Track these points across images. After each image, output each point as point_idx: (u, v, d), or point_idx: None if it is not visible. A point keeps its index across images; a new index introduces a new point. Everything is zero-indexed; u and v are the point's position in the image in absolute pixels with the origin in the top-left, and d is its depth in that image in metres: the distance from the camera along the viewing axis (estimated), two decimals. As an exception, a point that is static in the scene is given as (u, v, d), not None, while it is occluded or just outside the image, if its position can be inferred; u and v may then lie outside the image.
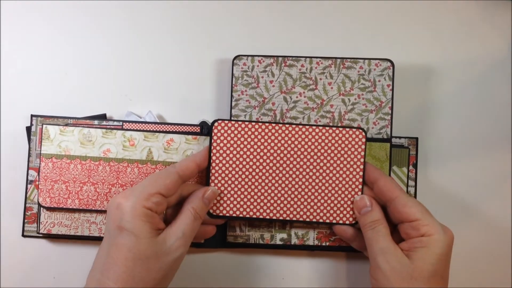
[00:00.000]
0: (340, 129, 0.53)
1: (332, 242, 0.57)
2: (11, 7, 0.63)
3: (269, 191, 0.54)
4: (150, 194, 0.48)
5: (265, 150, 0.54)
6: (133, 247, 0.46)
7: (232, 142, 0.54)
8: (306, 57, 0.58)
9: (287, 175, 0.54)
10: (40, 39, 0.63)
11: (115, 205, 0.48)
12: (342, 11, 0.63)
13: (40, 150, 0.57)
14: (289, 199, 0.54)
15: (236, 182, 0.54)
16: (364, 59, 0.57)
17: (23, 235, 0.59)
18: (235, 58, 0.59)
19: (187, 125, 0.58)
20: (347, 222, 0.54)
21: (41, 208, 0.58)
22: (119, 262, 0.46)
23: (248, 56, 0.59)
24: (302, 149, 0.54)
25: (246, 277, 0.60)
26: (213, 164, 0.54)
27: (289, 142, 0.54)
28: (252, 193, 0.54)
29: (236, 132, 0.54)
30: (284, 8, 0.63)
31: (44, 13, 0.63)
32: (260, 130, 0.54)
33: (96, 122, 0.58)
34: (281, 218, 0.54)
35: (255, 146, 0.54)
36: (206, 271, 0.61)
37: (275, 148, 0.54)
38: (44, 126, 0.57)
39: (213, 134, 0.54)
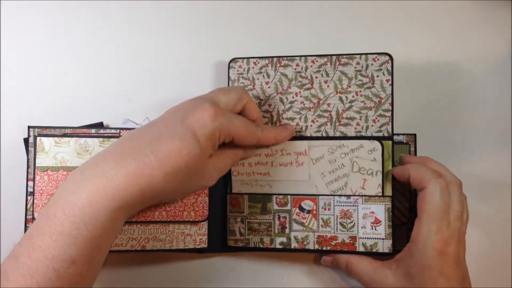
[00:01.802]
0: None
1: (333, 246, 0.55)
2: (10, 8, 0.63)
3: None
4: (230, 133, 0.50)
5: None
6: (194, 155, 0.46)
7: None
8: (301, 56, 0.57)
9: None
10: (38, 43, 0.63)
11: (201, 111, 0.48)
12: (341, 12, 0.63)
13: (34, 163, 0.56)
14: None
15: None
16: (361, 54, 0.55)
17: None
18: (231, 61, 0.58)
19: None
20: None
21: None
22: (174, 155, 0.45)
23: (243, 58, 0.58)
24: None
25: (246, 277, 0.60)
26: None
27: None
28: None
29: None
30: (278, 7, 0.62)
31: (43, 13, 0.63)
32: None
33: (93, 130, 0.57)
34: None
35: None
36: (206, 272, 0.61)
37: None
38: (38, 138, 0.56)
39: None
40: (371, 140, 0.54)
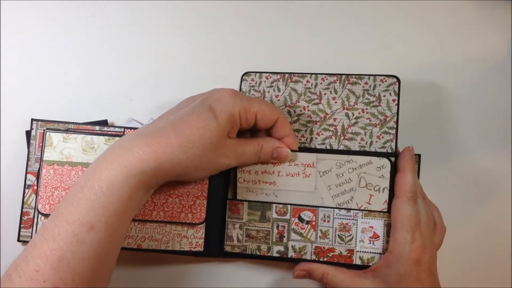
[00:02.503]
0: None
1: (330, 258, 0.55)
2: (10, 9, 0.65)
3: None
4: (252, 110, 0.51)
5: None
6: (210, 127, 0.48)
7: None
8: (311, 73, 0.58)
9: None
10: (39, 41, 0.64)
11: (220, 91, 0.51)
12: (340, 12, 0.64)
13: (42, 156, 0.56)
14: None
15: None
16: (369, 75, 0.57)
17: (18, 240, 0.58)
18: (244, 74, 0.60)
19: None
20: None
21: (39, 216, 0.57)
22: (191, 127, 0.48)
23: (256, 72, 0.60)
24: None
25: (246, 277, 0.60)
26: None
27: None
28: None
29: None
30: (292, 26, 0.64)
31: (44, 13, 0.65)
32: None
33: (97, 128, 0.58)
34: None
35: None
36: (206, 271, 0.61)
37: None
38: (47, 133, 0.57)
39: None
40: (380, 158, 0.55)
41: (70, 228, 0.44)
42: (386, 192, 0.54)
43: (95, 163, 0.48)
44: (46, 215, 0.56)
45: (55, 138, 0.57)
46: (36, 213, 0.57)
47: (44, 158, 0.56)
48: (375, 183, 0.55)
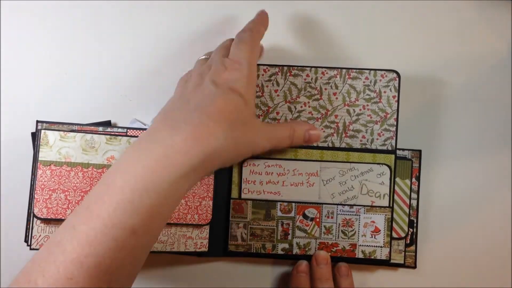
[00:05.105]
0: None
1: (334, 253, 0.57)
2: (10, 9, 0.62)
3: None
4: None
5: None
6: (241, 108, 0.47)
7: None
8: (311, 66, 0.58)
9: None
10: (43, 43, 0.62)
11: (225, 70, 0.49)
12: (341, 12, 0.63)
13: (38, 157, 0.55)
14: None
15: None
16: (370, 69, 0.57)
17: (25, 241, 0.56)
18: None
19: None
20: None
21: (35, 220, 0.55)
22: (225, 113, 0.46)
23: None
24: None
25: (250, 275, 0.61)
26: None
27: None
28: None
29: None
30: (291, 19, 0.63)
31: (43, 15, 0.63)
32: None
33: (100, 128, 0.57)
34: None
35: None
36: (206, 274, 0.61)
37: None
38: (42, 131, 0.55)
39: None
40: (380, 165, 0.56)
41: (109, 232, 0.40)
42: (387, 198, 0.56)
43: (130, 157, 0.44)
44: (42, 220, 0.55)
45: (51, 136, 0.55)
46: (32, 217, 0.55)
47: (39, 158, 0.55)
48: (376, 189, 0.57)
